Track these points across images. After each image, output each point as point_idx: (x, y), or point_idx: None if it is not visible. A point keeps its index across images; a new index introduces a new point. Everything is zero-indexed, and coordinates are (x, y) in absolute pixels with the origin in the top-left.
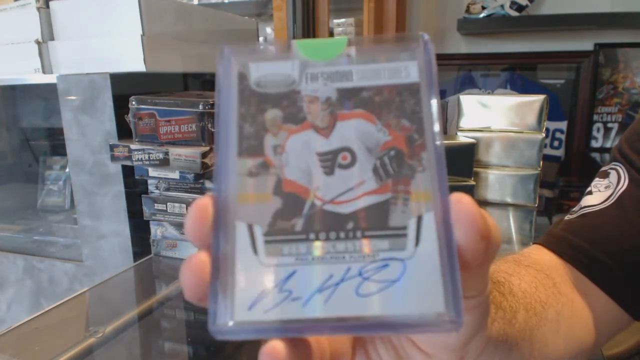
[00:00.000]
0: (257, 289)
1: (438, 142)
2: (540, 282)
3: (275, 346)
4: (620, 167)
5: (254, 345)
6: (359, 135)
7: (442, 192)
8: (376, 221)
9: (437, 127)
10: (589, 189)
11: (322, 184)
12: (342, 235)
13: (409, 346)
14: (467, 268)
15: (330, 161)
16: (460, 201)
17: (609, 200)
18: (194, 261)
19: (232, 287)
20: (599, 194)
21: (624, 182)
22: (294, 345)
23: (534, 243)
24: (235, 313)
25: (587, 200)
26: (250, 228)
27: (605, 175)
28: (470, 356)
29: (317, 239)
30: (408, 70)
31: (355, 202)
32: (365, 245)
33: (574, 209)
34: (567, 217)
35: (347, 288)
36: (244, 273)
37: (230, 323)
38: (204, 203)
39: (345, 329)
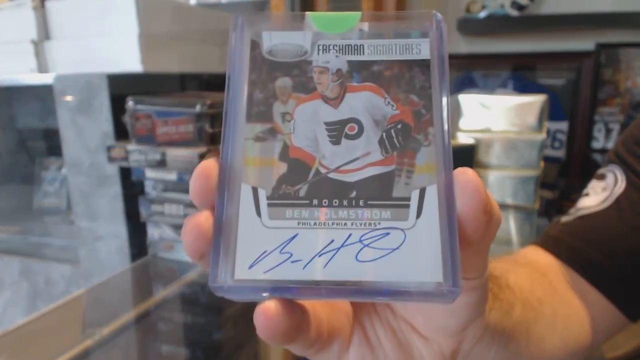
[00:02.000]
0: (259, 249)
1: (445, 118)
2: (537, 280)
3: (270, 305)
4: (617, 169)
5: (253, 347)
6: (367, 108)
7: (447, 167)
8: (379, 191)
9: (445, 104)
10: (585, 191)
11: (328, 152)
12: (345, 202)
13: (408, 330)
14: (468, 243)
15: (338, 131)
16: (465, 173)
17: (605, 202)
18: (196, 218)
19: (234, 246)
20: (596, 196)
21: (621, 184)
22: (289, 309)
23: (530, 244)
24: (236, 271)
25: (583, 202)
26: (255, 191)
27: (602, 177)
28: (468, 342)
29: (320, 205)
30: (419, 47)
31: (359, 171)
32: (367, 213)
33: (570, 210)
34: (564, 218)
35: (347, 253)
36: (246, 233)
37: (230, 280)
38: (209, 164)
39: (343, 293)
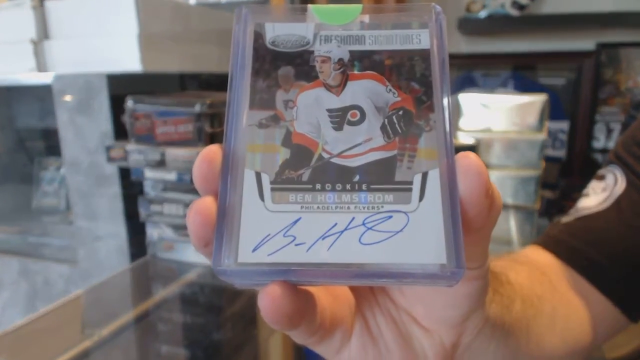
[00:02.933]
0: (262, 232)
1: (446, 105)
2: (537, 279)
3: (275, 287)
4: (616, 169)
5: (253, 347)
6: (368, 95)
7: (448, 151)
8: (382, 176)
9: (446, 91)
10: (585, 191)
11: (331, 138)
12: (348, 187)
13: (409, 321)
14: (471, 227)
15: (340, 117)
16: (467, 157)
17: (605, 203)
18: (201, 203)
19: (238, 230)
20: (596, 196)
21: (621, 185)
22: (294, 292)
23: (531, 244)
24: (240, 254)
25: (583, 203)
26: (258, 176)
27: (602, 178)
28: (468, 335)
29: (323, 189)
30: (419, 37)
31: (362, 157)
32: (370, 197)
33: (570, 211)
34: (564, 219)
35: (350, 236)
36: (250, 217)
37: (234, 264)
38: (212, 150)
39: (347, 276)
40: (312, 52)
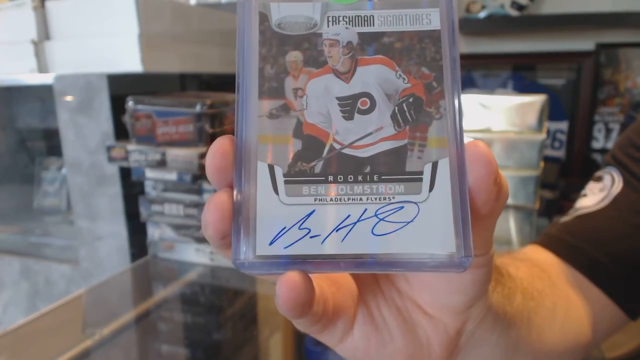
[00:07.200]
0: (278, 226)
1: (456, 90)
2: (536, 275)
3: (294, 276)
4: (613, 170)
5: (253, 347)
6: (378, 81)
7: (458, 139)
8: (393, 166)
9: (457, 76)
10: (583, 192)
11: (342, 128)
12: (359, 178)
13: (414, 308)
14: (479, 215)
15: (350, 106)
16: (476, 145)
17: (603, 202)
18: (217, 199)
19: (254, 224)
20: (593, 196)
21: (618, 185)
22: (309, 281)
23: (530, 244)
24: (257, 248)
25: (581, 202)
26: (271, 168)
27: (599, 179)
28: (472, 322)
29: (335, 181)
30: (430, 17)
31: (373, 147)
32: (382, 188)
33: (569, 211)
34: (563, 218)
35: (363, 227)
36: (265, 211)
37: (252, 257)
38: (224, 143)
39: (360, 266)
40: (320, 34)
